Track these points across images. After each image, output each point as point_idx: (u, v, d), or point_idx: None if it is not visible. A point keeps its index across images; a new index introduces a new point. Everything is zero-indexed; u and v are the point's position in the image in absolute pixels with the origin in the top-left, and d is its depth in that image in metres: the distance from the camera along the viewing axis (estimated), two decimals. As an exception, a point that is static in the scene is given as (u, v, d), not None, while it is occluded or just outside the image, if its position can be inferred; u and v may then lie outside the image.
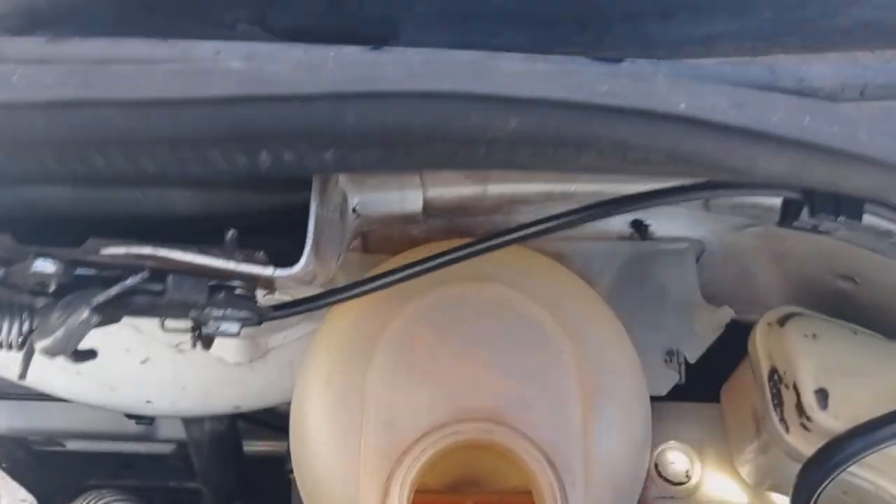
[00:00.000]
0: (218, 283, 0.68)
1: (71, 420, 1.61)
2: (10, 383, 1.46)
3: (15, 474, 1.39)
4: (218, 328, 0.69)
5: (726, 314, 0.90)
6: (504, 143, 0.55)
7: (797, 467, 0.82)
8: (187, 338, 1.21)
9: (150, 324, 1.22)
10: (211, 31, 0.81)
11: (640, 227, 0.95)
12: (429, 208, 0.87)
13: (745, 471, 0.96)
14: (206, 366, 1.28)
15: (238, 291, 0.69)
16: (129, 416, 1.55)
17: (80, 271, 0.65)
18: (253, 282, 0.71)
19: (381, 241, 1.00)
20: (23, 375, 0.66)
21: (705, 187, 0.67)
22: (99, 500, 1.35)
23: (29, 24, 0.84)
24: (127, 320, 1.20)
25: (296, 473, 0.86)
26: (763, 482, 0.95)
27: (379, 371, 0.77)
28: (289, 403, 1.50)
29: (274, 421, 1.66)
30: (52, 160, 0.57)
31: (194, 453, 1.48)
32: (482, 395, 0.76)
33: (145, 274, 0.60)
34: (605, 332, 0.81)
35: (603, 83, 0.54)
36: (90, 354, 0.70)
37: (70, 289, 0.64)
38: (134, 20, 0.87)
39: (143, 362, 1.26)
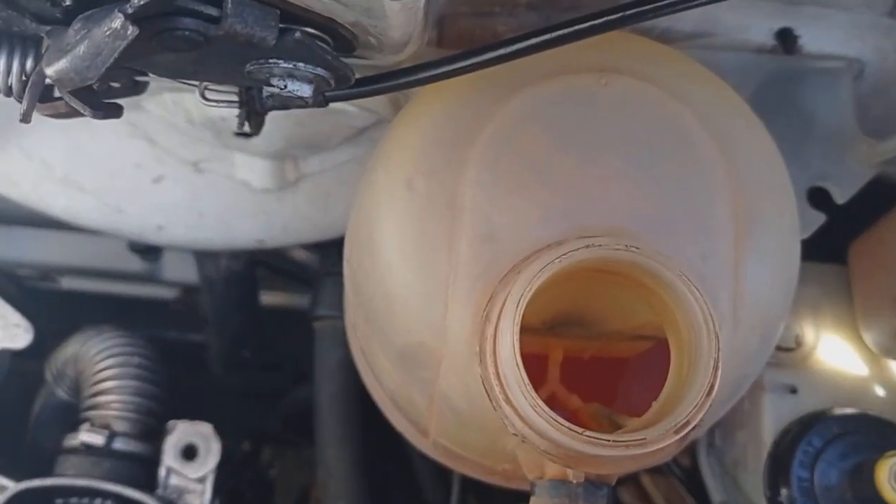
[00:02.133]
0: (289, 26, 0.50)
1: (67, 252, 1.45)
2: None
3: (6, 308, 1.24)
4: (285, 87, 0.51)
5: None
6: None
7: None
8: (209, 154, 1.06)
9: (165, 134, 1.04)
10: None
11: (787, 38, 0.77)
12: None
13: (874, 336, 0.82)
14: (229, 191, 1.10)
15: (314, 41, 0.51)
16: (134, 250, 1.39)
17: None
18: (331, 36, 0.53)
19: (460, 37, 0.81)
20: (27, 117, 0.48)
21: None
22: (99, 334, 1.21)
23: None
24: (138, 128, 1.03)
25: (356, 294, 0.70)
26: (894, 349, 0.81)
27: (476, 173, 0.61)
28: (314, 247, 1.36)
29: (294, 269, 1.52)
30: None
31: (206, 294, 1.33)
32: (611, 209, 0.59)
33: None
34: (757, 143, 0.65)
35: None
36: (115, 109, 0.52)
37: (94, 3, 0.46)
38: None
39: (156, 181, 1.09)
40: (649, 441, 0.50)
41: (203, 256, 1.27)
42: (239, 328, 1.40)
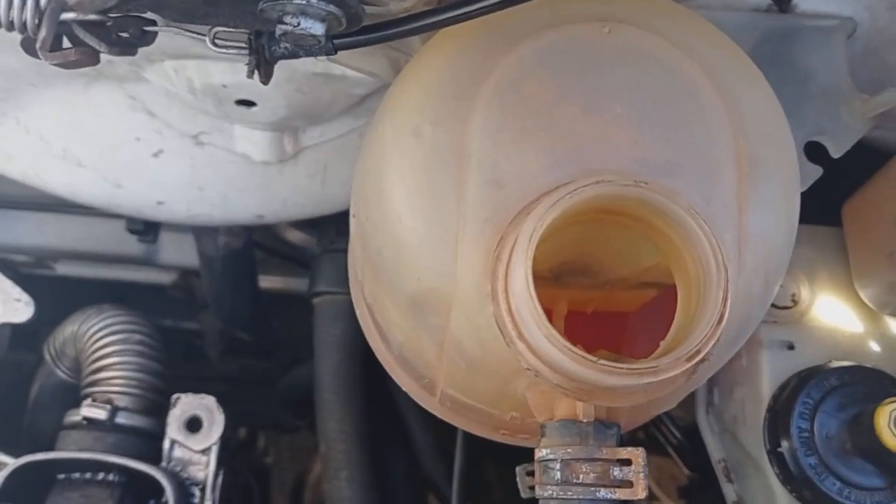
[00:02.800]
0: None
1: (63, 235, 1.45)
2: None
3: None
4: (297, 24, 0.52)
5: (892, 96, 0.75)
6: None
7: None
8: (210, 125, 1.06)
9: (165, 106, 1.04)
10: None
11: (782, -2, 0.78)
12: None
13: (869, 291, 0.84)
14: (228, 164, 1.11)
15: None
16: (132, 231, 1.39)
17: None
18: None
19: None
20: (46, 44, 0.49)
21: None
22: (99, 312, 1.21)
23: None
24: (137, 100, 1.03)
25: (364, 247, 0.71)
26: (892, 304, 0.83)
27: (483, 121, 0.62)
28: (310, 228, 1.36)
29: (290, 251, 1.53)
30: None
31: (205, 272, 1.33)
32: (616, 154, 0.60)
33: None
34: (760, 95, 0.66)
35: None
36: (130, 47, 0.53)
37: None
38: None
39: (156, 155, 1.09)
40: (661, 368, 0.51)
41: (202, 234, 1.27)
42: (236, 308, 1.41)
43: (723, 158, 0.61)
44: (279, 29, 0.53)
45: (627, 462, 0.58)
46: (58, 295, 1.44)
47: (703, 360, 0.53)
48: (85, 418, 1.09)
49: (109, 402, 1.11)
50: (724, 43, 0.67)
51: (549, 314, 0.72)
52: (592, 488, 0.57)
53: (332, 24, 0.53)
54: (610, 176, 0.55)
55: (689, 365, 0.51)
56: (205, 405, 1.09)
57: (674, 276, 0.59)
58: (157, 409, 1.14)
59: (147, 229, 1.37)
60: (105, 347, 1.17)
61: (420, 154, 0.63)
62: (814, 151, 0.78)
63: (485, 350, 0.61)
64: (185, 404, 1.09)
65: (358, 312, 0.87)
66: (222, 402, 1.47)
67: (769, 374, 0.84)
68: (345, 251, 1.25)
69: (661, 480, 1.35)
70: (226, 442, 1.11)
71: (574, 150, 0.61)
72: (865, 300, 0.85)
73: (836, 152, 0.78)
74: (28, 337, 1.31)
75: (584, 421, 0.59)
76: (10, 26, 0.51)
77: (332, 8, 0.52)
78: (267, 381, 1.72)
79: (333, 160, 1.11)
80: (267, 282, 1.55)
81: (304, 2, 0.51)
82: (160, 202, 1.13)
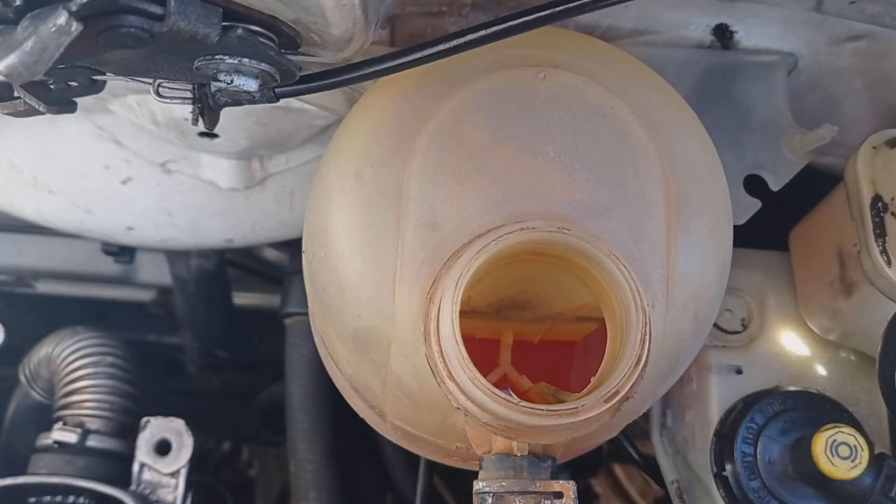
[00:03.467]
0: (232, 24, 0.53)
1: (41, 255, 1.47)
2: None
3: (-22, 315, 1.26)
4: (231, 82, 0.54)
5: (826, 132, 0.77)
6: None
7: (892, 307, 0.72)
8: (177, 154, 1.08)
9: (132, 136, 1.07)
10: None
11: (723, 34, 0.81)
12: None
13: (816, 319, 0.86)
14: (196, 189, 1.13)
15: (257, 38, 0.54)
16: (107, 252, 1.41)
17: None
18: (275, 32, 0.56)
19: (411, 36, 0.84)
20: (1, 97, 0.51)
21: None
22: (73, 335, 1.23)
23: None
24: (105, 130, 1.05)
25: (311, 284, 0.73)
26: (835, 330, 0.85)
27: (421, 164, 0.64)
28: (284, 244, 1.38)
29: (264, 269, 1.54)
30: None
31: (179, 294, 1.35)
32: (548, 196, 0.63)
33: (139, -25, 0.45)
34: (690, 136, 0.68)
35: None
36: (68, 105, 0.55)
37: (42, 2, 0.49)
38: None
39: (125, 182, 1.11)
40: (581, 409, 0.53)
41: (174, 257, 1.29)
42: (212, 327, 1.43)
43: (652, 199, 0.63)
44: (214, 86, 0.55)
45: (559, 495, 0.60)
46: (39, 312, 1.46)
47: (625, 399, 0.55)
48: (56, 442, 1.11)
49: (80, 424, 1.13)
50: (657, 85, 0.69)
51: (496, 345, 0.75)
52: (525, 521, 0.59)
53: (265, 80, 0.55)
54: (536, 222, 0.57)
55: (607, 406, 0.53)
56: (174, 428, 1.11)
57: (603, 314, 0.61)
58: (127, 430, 1.16)
59: (122, 251, 1.40)
60: (77, 370, 1.19)
61: (361, 196, 0.65)
62: (755, 183, 0.80)
63: (423, 387, 0.63)
64: (155, 427, 1.10)
65: (315, 339, 0.89)
66: (205, 415, 1.49)
67: (717, 397, 0.86)
68: (314, 273, 1.28)
69: (645, 490, 1.37)
70: (205, 464, 1.13)
71: (508, 193, 0.63)
72: (811, 326, 0.87)
73: (775, 185, 0.80)
74: (10, 353, 1.33)
75: (519, 455, 0.61)
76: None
77: (264, 66, 0.54)
78: (249, 395, 1.74)
79: (299, 186, 1.13)
80: (243, 298, 1.57)
81: (236, 61, 0.53)
82: (130, 227, 1.15)
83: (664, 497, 1.28)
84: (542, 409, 0.53)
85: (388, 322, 0.63)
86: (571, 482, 0.59)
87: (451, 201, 0.63)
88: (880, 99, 0.86)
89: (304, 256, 0.76)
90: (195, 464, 1.12)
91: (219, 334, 1.47)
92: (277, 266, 1.53)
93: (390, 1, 0.74)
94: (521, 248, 0.58)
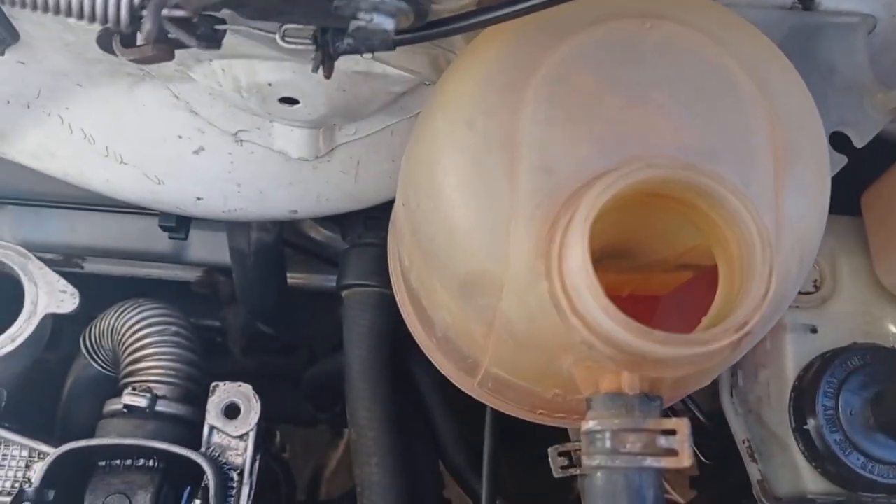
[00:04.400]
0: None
1: (95, 233, 1.48)
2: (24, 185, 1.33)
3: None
4: (371, 20, 0.56)
5: (908, 92, 0.79)
6: None
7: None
8: (249, 123, 1.10)
9: (207, 105, 1.08)
10: None
11: (805, -5, 0.82)
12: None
13: (890, 278, 0.88)
14: (266, 160, 1.15)
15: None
16: (164, 228, 1.43)
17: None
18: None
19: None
20: (150, 36, 0.52)
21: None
22: (136, 306, 1.25)
23: None
24: (181, 99, 1.07)
25: (415, 231, 0.75)
26: (915, 290, 0.87)
27: (532, 110, 0.66)
28: (342, 209, 1.40)
29: (314, 249, 1.56)
30: None
31: (236, 266, 1.37)
32: (659, 141, 0.64)
33: None
34: (791, 85, 0.70)
35: None
36: (216, 40, 0.57)
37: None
38: None
39: (197, 152, 1.13)
40: (712, 339, 0.55)
41: (235, 229, 1.31)
42: (265, 301, 1.44)
43: (760, 145, 0.65)
44: (353, 24, 0.57)
45: (672, 432, 0.61)
46: (82, 292, 1.48)
47: (748, 334, 0.57)
48: (126, 406, 1.13)
49: (149, 390, 1.15)
50: (757, 37, 0.71)
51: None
52: (639, 457, 0.61)
53: (401, 19, 0.57)
54: (661, 159, 0.59)
55: (737, 336, 0.55)
56: (242, 392, 1.13)
57: (715, 256, 0.63)
58: (194, 397, 1.18)
59: (179, 226, 1.41)
60: (143, 339, 1.21)
61: (473, 144, 0.67)
62: (838, 141, 0.82)
63: (533, 327, 0.65)
64: (224, 392, 1.13)
65: (398, 299, 0.90)
66: None
67: (793, 356, 0.88)
68: (372, 245, 1.30)
69: (669, 475, 1.39)
70: (261, 429, 1.15)
71: (619, 139, 0.65)
72: (885, 285, 0.89)
73: (859, 142, 0.82)
74: (53, 335, 1.34)
75: (630, 394, 0.62)
76: (101, 19, 0.55)
77: (402, 4, 0.56)
78: (284, 378, 1.76)
79: (366, 157, 1.15)
80: (291, 278, 1.59)
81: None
82: (199, 198, 1.16)
83: (697, 476, 1.30)
84: (676, 338, 0.55)
85: (501, 265, 0.65)
86: (685, 419, 0.61)
87: (565, 146, 0.65)
88: (953, 64, 0.88)
89: (402, 209, 0.78)
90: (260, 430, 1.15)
91: (271, 309, 1.48)
92: (325, 245, 1.55)
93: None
94: (642, 188, 0.60)
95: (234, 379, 1.92)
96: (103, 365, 1.29)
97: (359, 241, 1.32)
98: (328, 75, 0.66)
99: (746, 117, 0.66)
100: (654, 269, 0.74)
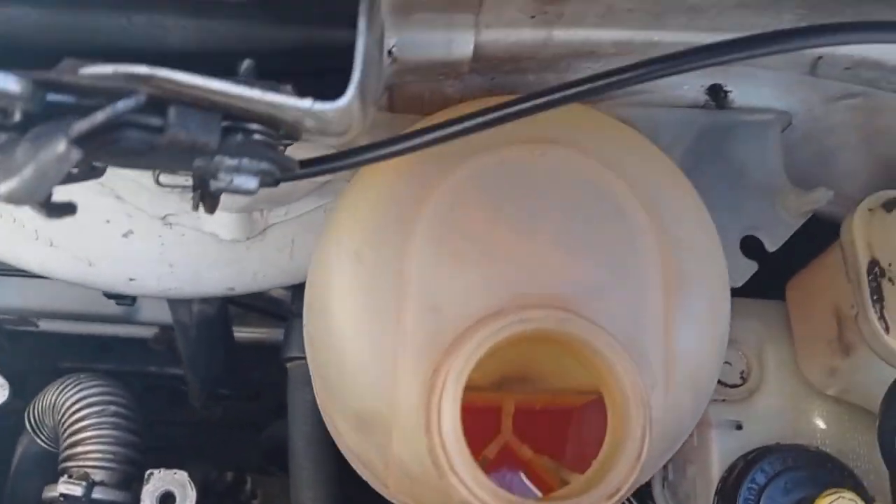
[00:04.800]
0: (233, 125, 0.53)
1: (45, 298, 1.47)
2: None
3: (-17, 354, 1.27)
4: (231, 182, 0.54)
5: (822, 196, 0.77)
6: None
7: (891, 372, 0.72)
8: (177, 208, 1.09)
9: (133, 191, 1.07)
10: None
11: (718, 94, 0.81)
12: (478, 56, 0.72)
13: (814, 375, 0.86)
14: (197, 242, 1.13)
15: (257, 137, 0.54)
16: (109, 296, 1.42)
17: (53, 97, 0.49)
18: (275, 127, 0.57)
19: (410, 100, 0.85)
20: None
21: (827, 31, 0.53)
22: (77, 383, 1.24)
23: None
24: (106, 186, 1.06)
25: (312, 359, 0.73)
26: (834, 386, 0.85)
27: (421, 245, 0.64)
28: (286, 287, 1.39)
29: (267, 307, 1.55)
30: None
31: (180, 337, 1.36)
32: (547, 277, 0.63)
33: (141, 98, 0.45)
34: (686, 207, 0.68)
35: None
36: (68, 209, 0.55)
37: (41, 119, 0.49)
38: None
39: (126, 235, 1.11)
40: (582, 506, 0.54)
41: (176, 302, 1.29)
42: (214, 368, 1.43)
43: (650, 277, 0.64)
44: (212, 185, 0.55)
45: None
46: (42, 347, 1.47)
47: (625, 494, 0.55)
48: (62, 494, 1.12)
49: (86, 476, 1.14)
50: (653, 157, 0.70)
51: (497, 412, 0.75)
52: None
53: (265, 177, 0.56)
54: (533, 312, 0.57)
55: (609, 503, 0.54)
56: (177, 480, 1.11)
57: (604, 397, 0.61)
58: (132, 481, 1.17)
59: (124, 294, 1.40)
60: (82, 420, 1.20)
61: (361, 276, 0.65)
62: (751, 244, 0.81)
63: (425, 471, 0.63)
64: (159, 480, 1.11)
65: (319, 405, 0.89)
66: (208, 445, 1.48)
67: (718, 454, 0.86)
68: (316, 316, 1.28)
69: None
70: (209, 494, 1.13)
71: (508, 276, 0.63)
72: (809, 381, 0.87)
73: (771, 246, 0.80)
74: (17, 388, 1.33)
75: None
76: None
77: (264, 165, 0.54)
78: (252, 425, 1.74)
79: (300, 235, 1.13)
80: (245, 333, 1.57)
81: (236, 162, 0.54)
82: (132, 279, 1.15)
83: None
84: (546, 506, 0.53)
85: (389, 407, 0.63)
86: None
87: (451, 284, 0.63)
88: (876, 153, 0.87)
89: (304, 329, 0.77)
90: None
91: (220, 374, 1.47)
92: (279, 302, 1.53)
93: (388, 73, 0.75)
94: (521, 336, 0.59)
95: (199, 427, 1.90)
96: (47, 442, 1.28)
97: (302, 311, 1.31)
98: (211, 211, 0.65)
99: (636, 248, 0.64)
100: (557, 393, 0.72)
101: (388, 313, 0.64)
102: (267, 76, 0.55)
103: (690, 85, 0.81)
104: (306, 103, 0.48)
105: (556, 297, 0.62)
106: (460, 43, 0.70)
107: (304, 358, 1.26)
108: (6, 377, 1.27)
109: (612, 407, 0.60)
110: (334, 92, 0.56)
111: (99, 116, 0.44)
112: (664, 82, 0.81)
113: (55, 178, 0.44)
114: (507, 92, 0.84)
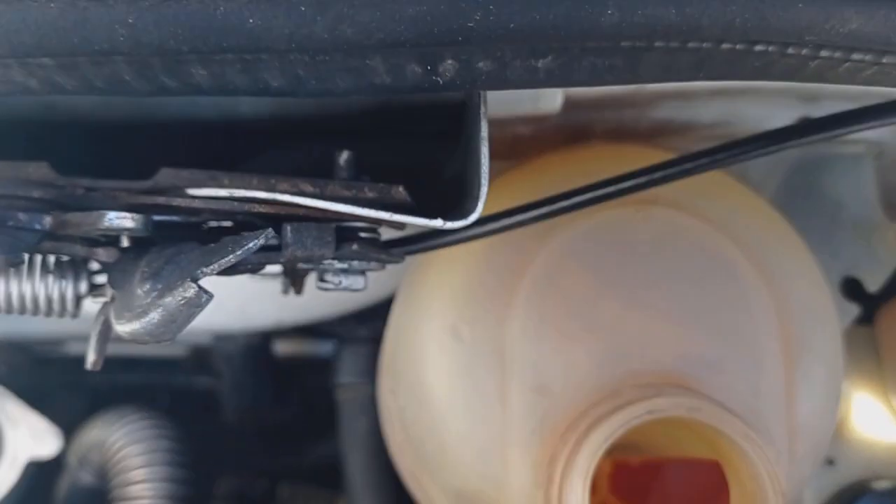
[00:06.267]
0: (343, 228, 0.49)
1: (75, 323, 1.44)
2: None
3: (14, 377, 1.24)
4: (339, 283, 0.51)
5: (925, 235, 0.74)
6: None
7: None
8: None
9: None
10: None
11: (807, 125, 0.76)
12: (566, 107, 0.68)
13: (905, 405, 0.83)
14: (246, 278, 1.10)
15: (364, 235, 0.50)
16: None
17: (160, 217, 0.46)
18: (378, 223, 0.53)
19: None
20: (97, 364, 0.48)
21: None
22: (119, 419, 1.21)
23: None
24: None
25: (405, 429, 0.70)
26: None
27: (521, 320, 0.61)
28: (330, 316, 1.35)
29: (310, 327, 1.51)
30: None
31: (224, 366, 1.33)
32: (660, 351, 0.60)
33: (270, 233, 0.41)
34: (801, 269, 0.65)
35: None
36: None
37: (145, 241, 0.46)
38: None
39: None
40: None
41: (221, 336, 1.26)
42: (256, 393, 1.40)
43: (768, 346, 0.60)
44: (320, 286, 0.52)
45: None
46: (70, 366, 1.44)
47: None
48: (118, 536, 1.09)
49: (140, 517, 1.11)
50: (760, 212, 0.66)
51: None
52: None
53: (370, 273, 0.52)
54: (661, 402, 0.54)
55: None
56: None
57: (727, 475, 0.58)
58: (186, 515, 1.14)
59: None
60: (131, 458, 1.17)
61: (461, 356, 0.62)
62: (851, 286, 0.77)
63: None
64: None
65: (399, 468, 0.85)
66: (243, 452, 1.46)
67: (811, 491, 0.84)
68: (365, 340, 1.25)
69: None
70: (238, 501, 1.11)
71: (618, 352, 0.60)
72: (901, 412, 0.85)
73: (873, 286, 0.77)
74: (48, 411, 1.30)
75: None
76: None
77: (372, 265, 0.51)
78: (285, 433, 1.72)
79: (349, 267, 1.10)
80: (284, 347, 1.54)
81: (345, 265, 0.50)
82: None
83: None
84: None
85: (498, 490, 0.60)
86: None
87: (558, 361, 0.60)
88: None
89: (390, 396, 0.73)
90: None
91: (262, 398, 1.44)
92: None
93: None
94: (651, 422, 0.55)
95: (233, 435, 1.87)
96: (94, 477, 1.25)
97: (351, 335, 1.27)
98: (299, 292, 0.62)
99: (752, 315, 0.61)
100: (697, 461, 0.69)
101: (493, 395, 0.60)
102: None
103: (779, 116, 0.77)
104: (438, 223, 0.44)
105: (672, 374, 0.59)
106: (549, 98, 0.65)
107: (356, 383, 1.24)
108: (35, 400, 1.22)
109: (738, 486, 0.57)
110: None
111: (229, 259, 0.40)
112: (752, 113, 0.77)
113: (183, 323, 0.41)
114: (579, 129, 0.80)
